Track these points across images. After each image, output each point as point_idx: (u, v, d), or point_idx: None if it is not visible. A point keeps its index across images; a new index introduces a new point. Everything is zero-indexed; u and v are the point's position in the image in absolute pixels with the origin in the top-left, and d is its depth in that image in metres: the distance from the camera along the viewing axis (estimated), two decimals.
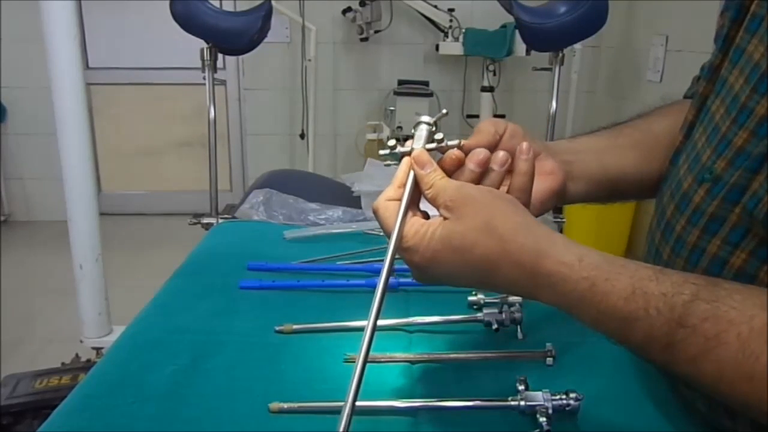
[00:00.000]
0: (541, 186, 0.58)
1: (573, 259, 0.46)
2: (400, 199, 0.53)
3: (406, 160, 0.56)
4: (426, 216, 0.53)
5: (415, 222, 0.51)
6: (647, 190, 0.69)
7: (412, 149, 0.56)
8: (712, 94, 0.58)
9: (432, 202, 0.52)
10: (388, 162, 0.58)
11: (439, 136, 0.56)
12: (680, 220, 0.55)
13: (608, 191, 0.67)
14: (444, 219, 0.50)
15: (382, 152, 0.58)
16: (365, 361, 0.46)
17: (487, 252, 0.48)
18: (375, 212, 0.54)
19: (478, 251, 0.48)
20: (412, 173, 0.54)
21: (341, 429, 0.43)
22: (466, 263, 0.48)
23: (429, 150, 0.56)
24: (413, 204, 0.54)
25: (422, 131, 0.57)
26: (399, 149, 0.56)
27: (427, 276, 0.52)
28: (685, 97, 0.75)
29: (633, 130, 0.69)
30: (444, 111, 0.59)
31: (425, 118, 0.58)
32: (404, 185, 0.54)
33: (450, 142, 0.56)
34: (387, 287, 0.50)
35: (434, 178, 0.53)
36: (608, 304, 0.44)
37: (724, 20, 0.58)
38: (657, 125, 0.70)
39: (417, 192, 0.54)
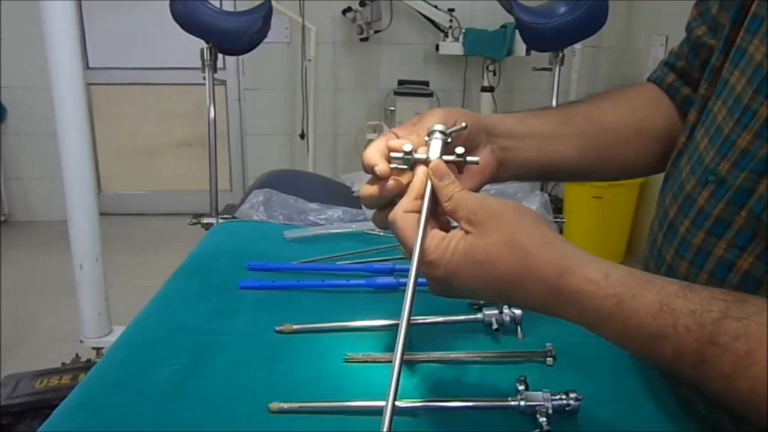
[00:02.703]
0: (465, 184, 0.56)
1: (598, 275, 0.45)
2: (417, 211, 0.51)
3: (421, 170, 0.54)
4: (445, 228, 0.52)
5: (435, 235, 0.50)
6: (581, 176, 0.70)
7: (428, 158, 0.54)
8: (713, 95, 0.58)
9: (451, 214, 0.51)
10: (397, 166, 0.56)
11: (460, 150, 0.54)
12: (684, 222, 0.55)
13: (538, 177, 0.68)
14: (465, 232, 0.49)
15: (394, 155, 0.55)
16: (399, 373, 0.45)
17: (510, 267, 0.47)
18: (392, 224, 0.52)
19: (502, 266, 0.47)
20: (429, 184, 0.53)
21: (384, 429, 0.42)
22: (489, 278, 0.48)
23: (447, 162, 0.54)
24: (431, 216, 0.52)
25: (437, 140, 0.55)
26: (415, 155, 0.54)
27: (447, 289, 0.51)
28: (649, 80, 0.75)
29: (583, 119, 0.68)
30: (463, 124, 0.58)
31: (440, 127, 0.56)
32: (421, 196, 0.52)
33: (470, 158, 0.55)
34: (414, 301, 0.48)
35: (453, 189, 0.52)
36: (635, 322, 0.43)
37: (725, 20, 0.58)
38: (607, 116, 0.69)
39: (434, 203, 0.52)
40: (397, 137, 0.57)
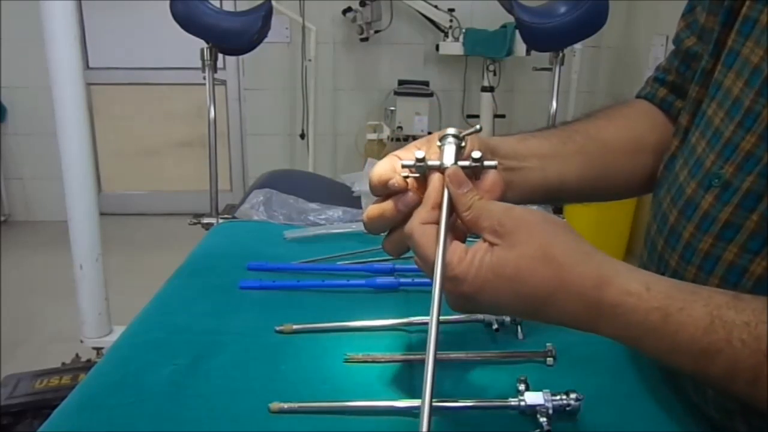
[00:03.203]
0: None
1: (640, 287, 0.43)
2: (436, 222, 0.48)
3: (437, 177, 0.51)
4: (461, 239, 0.49)
5: (457, 248, 0.47)
6: (585, 195, 0.69)
7: (442, 165, 0.51)
8: (706, 98, 0.58)
9: (472, 225, 0.48)
10: (408, 175, 0.52)
11: (476, 154, 0.51)
12: (688, 227, 0.54)
13: (544, 197, 0.66)
14: (491, 244, 0.46)
15: (405, 163, 0.52)
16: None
17: (543, 282, 0.44)
18: (409, 237, 0.49)
19: (534, 281, 0.44)
20: (446, 193, 0.49)
21: (423, 429, 0.40)
22: (520, 294, 0.45)
23: (464, 168, 0.51)
24: (450, 227, 0.49)
25: (451, 145, 0.52)
26: (428, 162, 0.51)
27: (471, 305, 0.48)
28: (638, 96, 0.74)
29: (582, 137, 0.67)
30: (478, 126, 0.54)
31: (452, 131, 0.53)
32: (439, 206, 0.49)
33: (487, 162, 0.51)
34: (440, 316, 0.46)
35: (472, 198, 0.49)
36: (685, 336, 0.41)
37: (714, 24, 0.58)
38: (604, 132, 0.68)
39: (451, 213, 0.49)
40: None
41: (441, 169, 0.51)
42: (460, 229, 0.51)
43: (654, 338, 0.43)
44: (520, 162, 0.62)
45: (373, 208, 0.54)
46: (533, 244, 0.45)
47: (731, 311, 0.41)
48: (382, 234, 0.57)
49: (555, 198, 0.68)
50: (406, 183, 0.53)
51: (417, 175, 0.52)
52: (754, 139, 0.49)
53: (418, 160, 0.51)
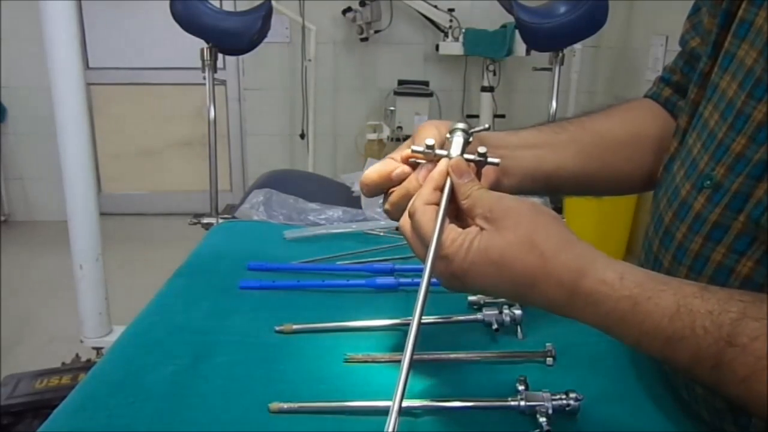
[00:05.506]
0: None
1: (614, 277, 0.45)
2: (437, 203, 0.51)
3: (443, 161, 0.54)
4: (462, 224, 0.52)
5: (452, 230, 0.49)
6: (584, 186, 0.70)
7: (449, 155, 0.54)
8: (703, 100, 0.58)
9: (468, 212, 0.51)
10: (415, 159, 0.56)
11: (482, 149, 0.54)
12: (681, 228, 0.55)
13: (543, 185, 0.66)
14: (481, 229, 0.48)
15: (416, 149, 0.55)
16: (410, 364, 0.45)
17: (526, 269, 0.46)
18: (412, 215, 0.51)
19: (518, 267, 0.46)
20: (449, 181, 0.52)
21: (390, 429, 0.41)
22: (504, 278, 0.47)
23: (469, 161, 0.54)
24: (451, 214, 0.52)
25: (459, 138, 0.56)
26: (436, 151, 0.55)
27: (459, 285, 0.50)
28: (646, 96, 0.75)
29: (575, 127, 0.68)
30: (486, 125, 0.58)
31: (462, 125, 0.56)
32: (441, 188, 0.52)
33: (491, 159, 0.54)
34: (428, 291, 0.47)
35: (471, 187, 0.51)
36: (652, 324, 0.43)
37: (713, 26, 0.58)
38: (600, 124, 0.69)
39: (452, 200, 0.52)
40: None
41: (448, 158, 0.54)
42: (465, 221, 0.53)
43: (624, 326, 0.44)
44: (512, 151, 0.64)
45: (371, 169, 0.57)
46: (518, 232, 0.47)
47: (697, 300, 0.42)
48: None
49: (555, 187, 0.68)
50: (412, 168, 0.56)
51: (424, 161, 0.56)
52: (744, 141, 0.50)
53: (427, 146, 0.55)
